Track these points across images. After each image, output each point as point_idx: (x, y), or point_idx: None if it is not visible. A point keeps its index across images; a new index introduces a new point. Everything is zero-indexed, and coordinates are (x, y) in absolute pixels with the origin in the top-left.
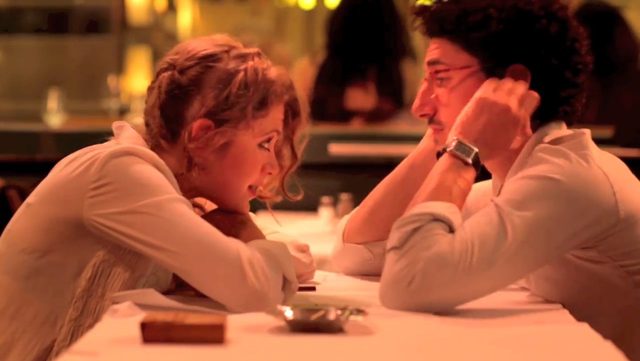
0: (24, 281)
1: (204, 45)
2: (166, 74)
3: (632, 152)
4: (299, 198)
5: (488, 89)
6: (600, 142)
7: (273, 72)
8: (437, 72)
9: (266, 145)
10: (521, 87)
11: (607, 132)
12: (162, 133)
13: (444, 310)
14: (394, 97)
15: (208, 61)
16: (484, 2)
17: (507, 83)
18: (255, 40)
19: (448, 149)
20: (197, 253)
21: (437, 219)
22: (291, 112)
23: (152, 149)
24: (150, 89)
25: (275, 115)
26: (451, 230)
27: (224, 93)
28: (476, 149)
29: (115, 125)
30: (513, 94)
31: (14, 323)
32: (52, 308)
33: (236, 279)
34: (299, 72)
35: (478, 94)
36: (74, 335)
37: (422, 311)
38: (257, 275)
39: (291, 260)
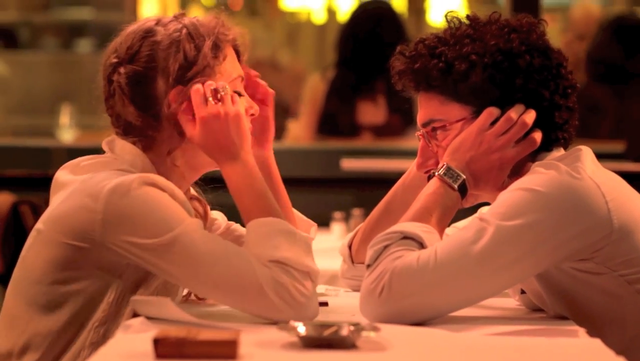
0: (46, 312)
1: (134, 28)
2: (119, 72)
3: None
4: None
5: (486, 122)
6: (612, 156)
7: (207, 18)
8: (433, 129)
9: (239, 90)
10: (516, 130)
11: (619, 146)
12: (145, 124)
13: (421, 320)
14: (403, 112)
15: (148, 37)
16: (465, 50)
17: (503, 125)
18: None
19: (437, 173)
20: (221, 282)
21: (407, 237)
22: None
23: (145, 145)
24: (109, 97)
25: (232, 57)
26: (422, 247)
27: (179, 55)
28: (464, 176)
29: (105, 142)
30: (506, 136)
31: (36, 354)
32: (75, 336)
33: (262, 304)
34: (311, 88)
35: (475, 125)
36: None
37: (396, 321)
38: (281, 296)
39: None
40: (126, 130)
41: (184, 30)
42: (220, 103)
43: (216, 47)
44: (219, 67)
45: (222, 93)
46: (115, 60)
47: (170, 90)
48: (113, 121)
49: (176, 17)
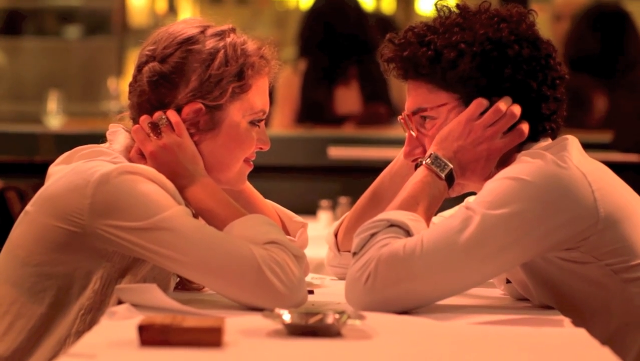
0: (31, 294)
1: (179, 29)
2: (148, 67)
3: (631, 157)
4: None
5: (475, 112)
6: (600, 146)
7: (250, 45)
8: (421, 117)
9: (257, 122)
10: (505, 122)
11: (607, 136)
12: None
13: (406, 309)
14: (383, 99)
15: (187, 44)
16: (454, 38)
17: (491, 116)
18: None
19: (424, 162)
20: (216, 265)
21: (393, 225)
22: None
23: None
24: (132, 84)
25: (260, 89)
26: (409, 235)
27: (206, 73)
28: (451, 166)
29: (109, 130)
30: (494, 127)
31: (20, 336)
32: (60, 320)
33: (259, 285)
34: (283, 82)
35: (464, 114)
36: None
37: (382, 309)
38: (278, 276)
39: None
40: (135, 119)
41: (221, 51)
42: (161, 135)
43: (239, 76)
44: (242, 94)
45: (160, 124)
46: (149, 53)
47: (186, 102)
48: (129, 105)
49: (222, 32)
